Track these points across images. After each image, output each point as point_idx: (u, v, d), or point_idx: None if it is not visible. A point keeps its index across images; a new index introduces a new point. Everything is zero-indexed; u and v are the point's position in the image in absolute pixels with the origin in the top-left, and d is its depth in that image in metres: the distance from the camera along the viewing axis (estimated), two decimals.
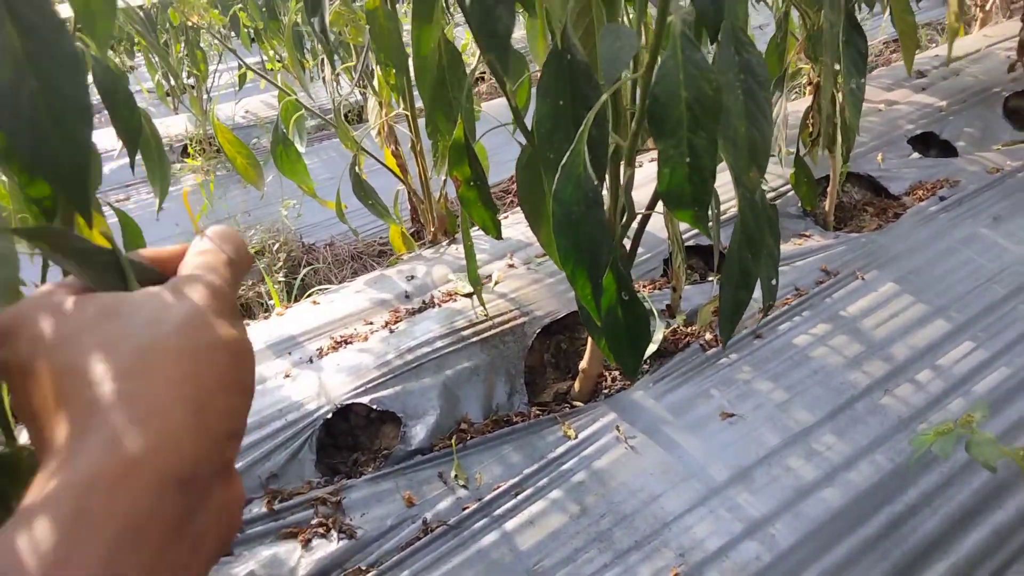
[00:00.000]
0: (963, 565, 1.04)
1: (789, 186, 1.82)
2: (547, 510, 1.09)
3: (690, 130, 0.71)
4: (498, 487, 1.12)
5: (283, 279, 2.10)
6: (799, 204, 1.75)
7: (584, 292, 0.81)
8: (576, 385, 1.29)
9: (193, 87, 3.41)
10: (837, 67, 1.41)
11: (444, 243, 1.85)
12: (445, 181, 1.94)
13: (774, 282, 1.00)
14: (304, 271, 2.12)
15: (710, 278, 1.56)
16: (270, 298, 1.99)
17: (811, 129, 1.65)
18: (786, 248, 1.62)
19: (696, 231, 1.59)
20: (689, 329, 1.40)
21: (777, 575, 1.03)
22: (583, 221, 0.76)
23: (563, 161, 0.76)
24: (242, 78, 3.09)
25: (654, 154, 1.76)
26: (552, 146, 0.84)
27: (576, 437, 1.19)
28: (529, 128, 1.00)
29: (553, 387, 1.32)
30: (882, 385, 1.27)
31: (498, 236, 1.11)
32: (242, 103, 3.39)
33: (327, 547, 1.03)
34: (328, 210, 2.18)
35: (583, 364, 1.26)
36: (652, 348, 1.32)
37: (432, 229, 1.98)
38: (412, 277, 1.61)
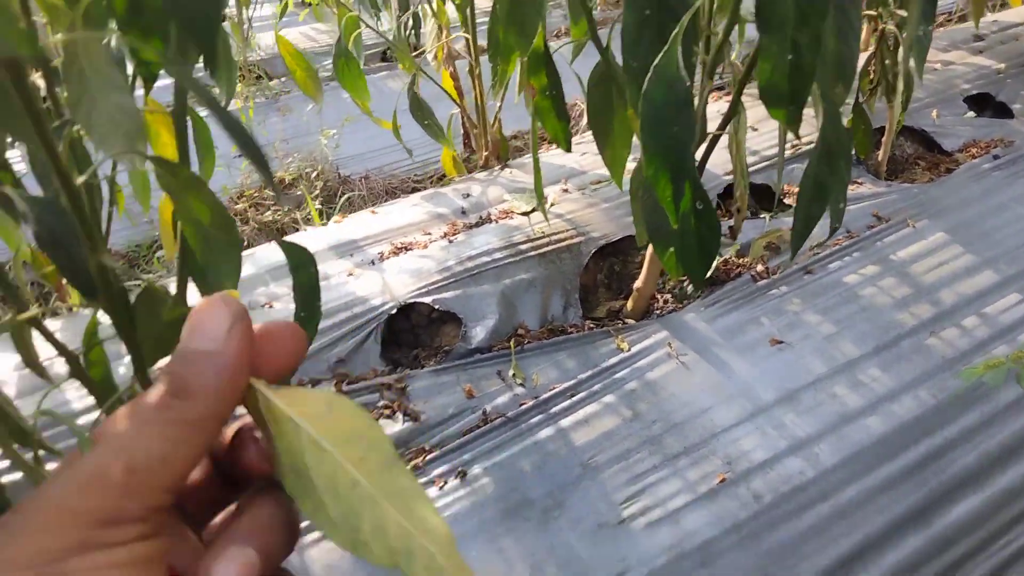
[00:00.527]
0: (998, 499, 1.08)
1: None
2: (600, 412, 1.13)
3: (796, 27, 0.73)
4: (553, 388, 1.16)
5: (320, 207, 2.13)
6: (852, 151, 1.76)
7: (664, 194, 0.84)
8: (629, 304, 1.32)
9: (235, 15, 3.42)
10: (903, 13, 1.42)
11: (496, 168, 1.88)
12: (499, 107, 1.96)
13: (842, 205, 1.02)
14: (340, 200, 2.15)
15: (762, 215, 1.58)
16: (307, 222, 2.02)
17: (872, 77, 1.66)
18: None
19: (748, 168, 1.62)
20: (741, 260, 1.43)
21: (819, 490, 1.07)
22: (673, 122, 0.79)
23: (656, 62, 0.79)
24: (283, 10, 3.10)
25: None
26: (637, 55, 0.86)
27: (629, 350, 1.23)
28: (604, 44, 1.02)
29: (606, 305, 1.36)
30: (928, 327, 1.30)
31: (568, 148, 1.14)
32: (281, 33, 3.39)
33: (393, 426, 1.08)
34: (366, 143, 2.20)
35: (638, 283, 1.30)
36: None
37: (484, 154, 2.00)
38: (467, 195, 1.65)
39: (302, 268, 0.75)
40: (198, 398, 0.28)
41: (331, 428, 0.30)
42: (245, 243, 1.85)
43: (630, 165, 1.13)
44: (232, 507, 0.33)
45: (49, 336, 0.75)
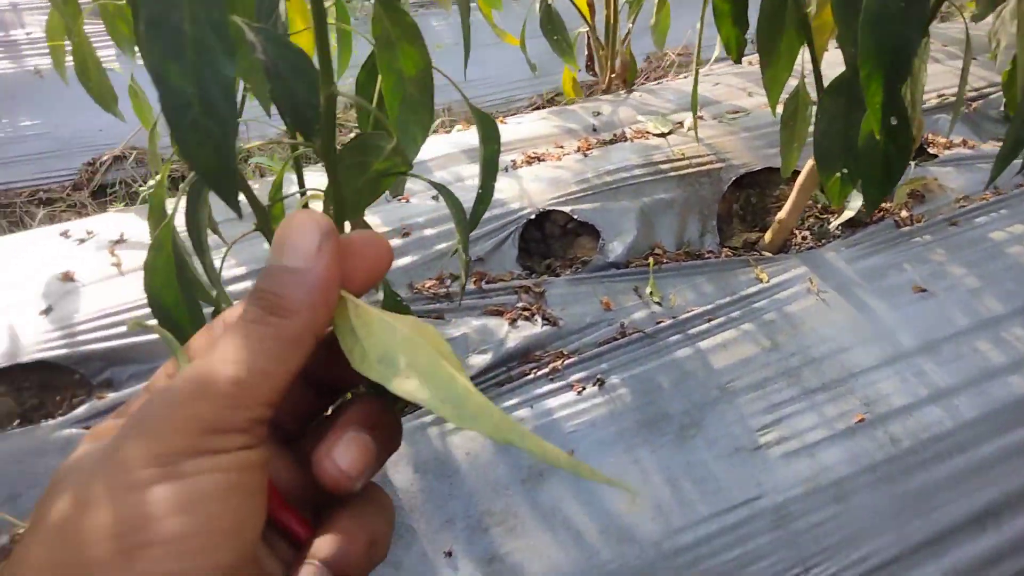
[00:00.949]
0: None
1: (991, 88, 1.74)
2: (738, 339, 1.11)
3: None
4: (691, 310, 1.14)
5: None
6: (1000, 108, 1.68)
7: (874, 101, 0.80)
8: (767, 236, 1.29)
9: None
10: None
11: (623, 92, 1.83)
12: (630, 29, 1.90)
13: None
14: (436, 123, 2.11)
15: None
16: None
17: None
18: (985, 148, 1.56)
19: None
20: (884, 204, 1.38)
21: (956, 442, 1.04)
22: (898, 19, 0.74)
23: None
24: None
25: None
26: None
27: (768, 281, 1.20)
28: None
29: (741, 236, 1.33)
30: None
31: (737, 58, 1.10)
32: None
33: (531, 328, 1.08)
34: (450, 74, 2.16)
35: (780, 215, 1.26)
36: (848, 215, 1.30)
37: (609, 77, 1.96)
38: (598, 113, 1.61)
39: (490, 141, 0.74)
40: (293, 315, 0.28)
41: (416, 344, 0.30)
42: None
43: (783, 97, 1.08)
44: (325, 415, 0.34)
45: (247, 190, 0.75)
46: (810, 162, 1.19)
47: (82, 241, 1.27)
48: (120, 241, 1.25)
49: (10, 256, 1.22)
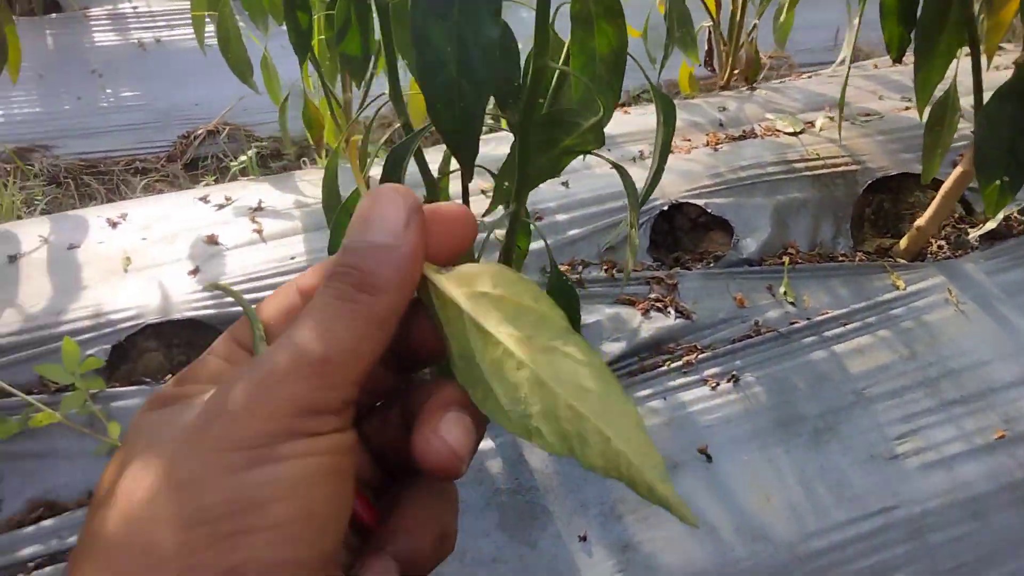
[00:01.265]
0: None
1: None
2: (875, 345, 1.09)
3: None
4: (825, 313, 1.12)
5: None
6: None
7: None
8: (903, 243, 1.26)
9: None
10: None
11: (743, 89, 1.80)
12: (756, 25, 1.87)
13: None
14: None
15: None
16: None
17: None
18: None
19: None
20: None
21: None
22: None
23: None
24: None
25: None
26: None
27: (904, 288, 1.17)
28: None
29: (874, 241, 1.30)
30: None
31: (897, 58, 1.07)
32: None
33: (664, 320, 1.08)
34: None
35: (920, 222, 1.22)
36: (991, 226, 1.26)
37: (730, 73, 1.93)
38: (724, 108, 1.59)
39: (669, 123, 0.74)
40: (382, 293, 0.27)
41: (499, 305, 0.29)
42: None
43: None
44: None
45: (419, 160, 0.77)
46: (958, 169, 1.16)
47: (220, 207, 1.31)
48: (258, 209, 1.30)
49: (158, 217, 1.27)
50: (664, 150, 0.75)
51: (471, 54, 0.42)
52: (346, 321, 0.27)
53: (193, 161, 1.85)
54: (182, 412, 0.26)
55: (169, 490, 0.24)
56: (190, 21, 2.06)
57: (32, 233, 1.25)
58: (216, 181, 1.74)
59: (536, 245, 1.18)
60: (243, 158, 1.76)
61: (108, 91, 1.93)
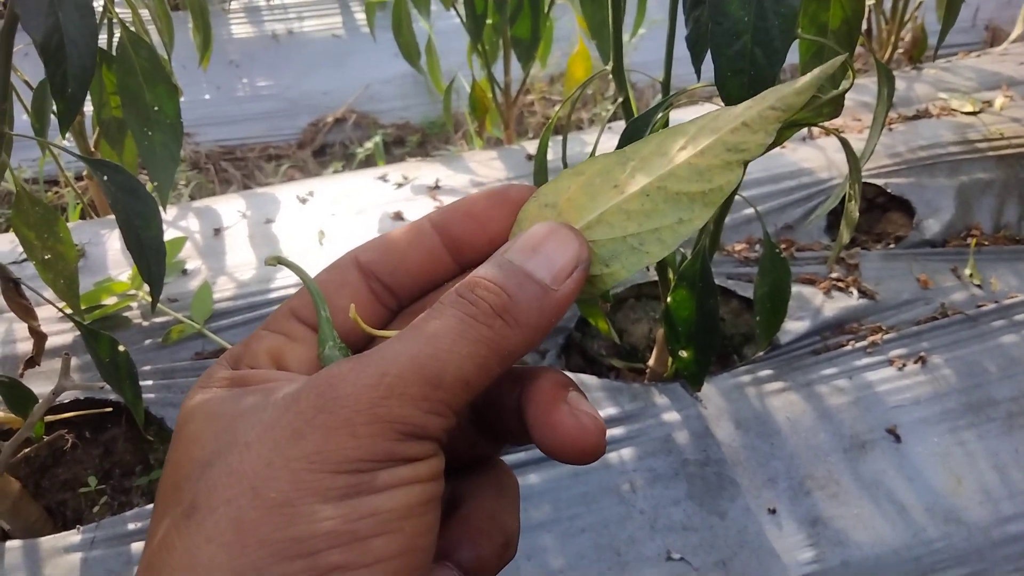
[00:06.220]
0: None
1: None
2: None
3: None
4: (1014, 296, 1.09)
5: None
6: None
7: None
8: None
9: None
10: None
11: (907, 68, 1.74)
12: (921, 3, 1.80)
13: None
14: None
15: None
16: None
17: None
18: None
19: None
20: None
21: None
22: None
23: None
24: None
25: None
26: None
27: None
28: None
29: None
30: None
31: None
32: None
33: (847, 300, 1.08)
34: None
35: None
36: None
37: (893, 52, 1.87)
38: None
39: (889, 97, 0.74)
40: (518, 329, 0.25)
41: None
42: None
43: None
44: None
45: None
46: None
47: (399, 185, 1.38)
48: (436, 188, 1.36)
49: (343, 194, 1.35)
50: (879, 121, 0.75)
51: (769, 23, 0.43)
52: (472, 346, 0.24)
53: (321, 148, 1.93)
54: (261, 407, 0.24)
55: (259, 511, 0.22)
56: (320, 13, 2.16)
57: (231, 209, 1.35)
58: (344, 167, 1.81)
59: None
60: (368, 144, 1.83)
61: (244, 81, 2.03)
